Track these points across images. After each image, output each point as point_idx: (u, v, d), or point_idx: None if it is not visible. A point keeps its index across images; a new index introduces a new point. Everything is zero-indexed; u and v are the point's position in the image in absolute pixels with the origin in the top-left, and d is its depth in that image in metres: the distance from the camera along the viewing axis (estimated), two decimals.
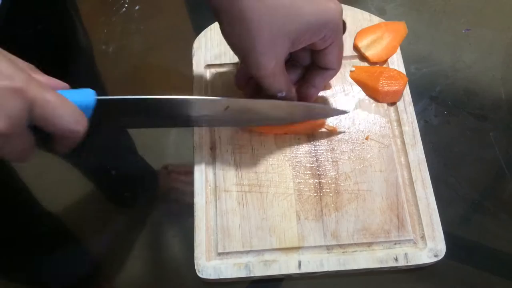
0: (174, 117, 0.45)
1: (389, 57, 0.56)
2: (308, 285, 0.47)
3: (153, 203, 0.52)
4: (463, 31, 0.60)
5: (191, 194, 0.50)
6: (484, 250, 0.47)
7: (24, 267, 0.50)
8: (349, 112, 0.52)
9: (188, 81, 0.57)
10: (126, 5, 0.64)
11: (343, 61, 0.55)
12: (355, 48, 0.57)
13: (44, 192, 0.54)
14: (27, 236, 0.51)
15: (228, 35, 0.43)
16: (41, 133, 0.34)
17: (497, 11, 0.62)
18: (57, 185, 0.54)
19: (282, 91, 0.46)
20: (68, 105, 0.34)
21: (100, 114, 0.38)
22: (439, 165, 0.51)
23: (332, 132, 0.51)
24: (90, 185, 0.55)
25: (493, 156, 0.52)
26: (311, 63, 0.49)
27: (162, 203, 0.52)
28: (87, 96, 0.37)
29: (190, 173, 0.52)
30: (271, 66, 0.43)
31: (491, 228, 0.49)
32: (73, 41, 0.63)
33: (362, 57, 0.56)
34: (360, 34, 0.57)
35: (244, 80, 0.50)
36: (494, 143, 0.53)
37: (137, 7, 0.63)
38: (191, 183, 0.51)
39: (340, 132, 0.51)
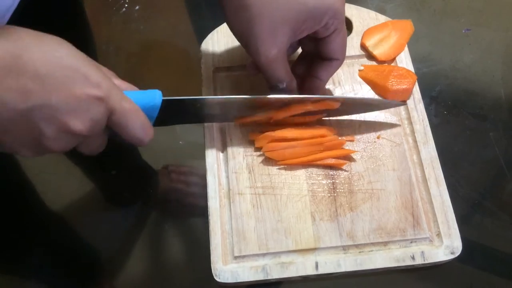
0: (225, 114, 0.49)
1: (397, 56, 0.56)
2: (309, 286, 0.47)
3: (153, 203, 0.52)
4: (463, 31, 0.60)
5: (191, 194, 0.50)
6: (484, 250, 0.47)
7: (24, 266, 0.50)
8: (406, 104, 0.53)
9: (189, 81, 0.57)
10: (126, 5, 0.64)
11: (351, 61, 0.56)
12: (363, 47, 0.57)
13: (44, 192, 0.54)
14: (27, 235, 0.51)
15: (231, 22, 0.44)
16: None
17: (497, 11, 0.62)
18: (57, 185, 0.54)
19: (283, 81, 0.46)
20: (141, 116, 0.38)
21: (164, 112, 0.41)
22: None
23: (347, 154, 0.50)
24: (90, 185, 0.55)
25: (493, 156, 0.52)
26: (316, 56, 0.49)
27: (162, 203, 0.52)
28: (155, 97, 0.40)
29: (190, 173, 0.52)
30: (272, 54, 0.44)
31: (491, 228, 0.49)
32: (82, 40, 0.63)
33: (370, 56, 0.56)
34: (367, 33, 0.57)
35: (254, 69, 0.50)
36: (494, 143, 0.53)
37: (137, 7, 0.63)
38: (191, 184, 0.51)
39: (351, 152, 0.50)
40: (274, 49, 0.43)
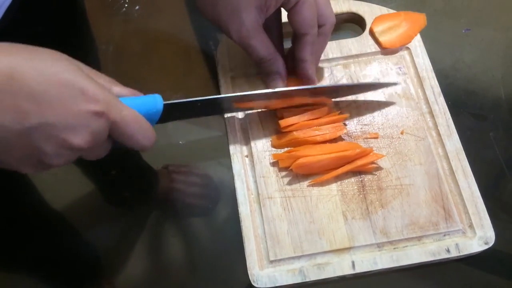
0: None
1: (402, 45, 0.56)
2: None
3: (153, 203, 0.52)
4: (463, 31, 0.60)
5: (192, 194, 0.50)
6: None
7: (24, 265, 0.50)
8: (399, 83, 0.53)
9: (189, 81, 0.57)
10: (126, 5, 0.64)
11: (367, 58, 0.56)
12: (371, 33, 0.57)
13: (44, 192, 0.54)
14: (27, 235, 0.51)
15: (201, 6, 0.47)
16: None
17: (497, 11, 0.62)
18: (57, 185, 0.54)
19: (264, 58, 0.48)
20: (142, 123, 0.38)
21: (165, 114, 0.42)
22: None
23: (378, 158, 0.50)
24: (90, 185, 0.55)
25: (493, 156, 0.52)
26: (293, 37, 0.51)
27: (162, 203, 0.52)
28: (156, 102, 0.41)
29: (190, 173, 0.52)
30: (242, 32, 0.46)
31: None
32: (82, 40, 0.63)
33: (376, 42, 0.57)
34: (378, 19, 0.57)
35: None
36: (494, 143, 0.53)
37: (137, 7, 0.63)
38: (191, 183, 0.51)
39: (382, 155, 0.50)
40: (243, 27, 0.45)
